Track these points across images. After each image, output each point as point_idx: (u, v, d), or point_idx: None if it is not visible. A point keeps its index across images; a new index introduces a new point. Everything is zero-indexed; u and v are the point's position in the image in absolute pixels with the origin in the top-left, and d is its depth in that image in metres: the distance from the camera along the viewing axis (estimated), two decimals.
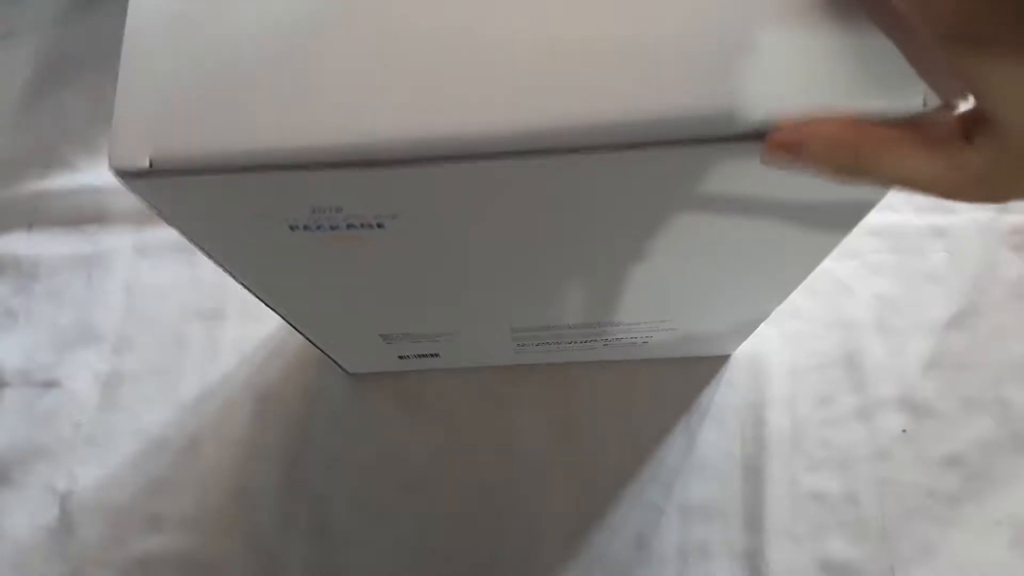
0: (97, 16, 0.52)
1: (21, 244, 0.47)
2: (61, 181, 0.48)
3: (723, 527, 0.40)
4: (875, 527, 0.40)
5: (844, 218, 0.25)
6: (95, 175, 0.48)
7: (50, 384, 0.45)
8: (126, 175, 0.20)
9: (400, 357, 0.40)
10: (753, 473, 0.41)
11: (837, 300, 0.44)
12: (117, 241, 0.47)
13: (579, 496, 0.41)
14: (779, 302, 0.34)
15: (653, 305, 0.34)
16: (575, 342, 0.39)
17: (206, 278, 0.46)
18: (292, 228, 0.23)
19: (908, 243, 0.45)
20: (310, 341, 0.37)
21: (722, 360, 0.43)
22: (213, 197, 0.21)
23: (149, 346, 0.45)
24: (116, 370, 0.45)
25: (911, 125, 0.19)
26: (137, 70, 0.21)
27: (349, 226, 0.23)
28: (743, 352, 0.43)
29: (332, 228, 0.23)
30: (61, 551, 0.41)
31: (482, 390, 0.43)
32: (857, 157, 0.19)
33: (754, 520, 0.40)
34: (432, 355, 0.40)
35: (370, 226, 0.23)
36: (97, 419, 0.44)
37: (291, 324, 0.33)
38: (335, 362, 0.41)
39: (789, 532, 0.40)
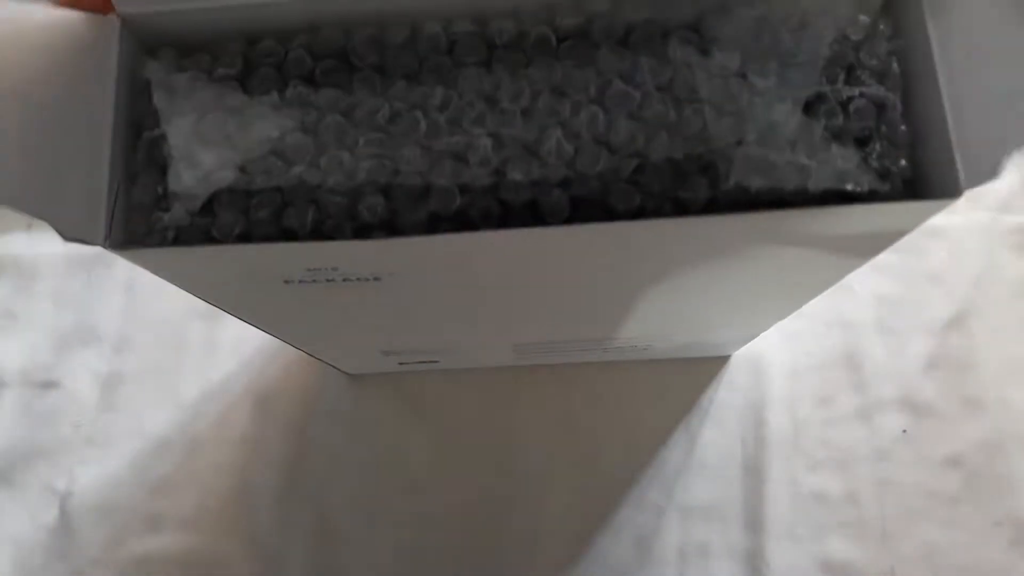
0: None
1: (21, 244, 0.47)
2: None
3: (723, 527, 0.40)
4: (875, 527, 0.40)
5: (869, 247, 0.25)
6: None
7: (50, 384, 0.45)
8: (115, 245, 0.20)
9: (400, 363, 0.40)
10: (753, 473, 0.41)
11: (837, 300, 0.44)
12: None
13: (579, 496, 0.41)
14: (790, 315, 0.34)
15: (658, 323, 0.33)
16: (576, 351, 0.39)
17: None
18: (287, 283, 0.23)
19: (909, 242, 0.44)
20: (307, 353, 0.36)
21: (722, 360, 0.43)
22: (203, 263, 0.21)
23: (149, 346, 0.45)
24: (116, 370, 0.45)
25: None
26: None
27: (345, 280, 0.23)
28: (743, 352, 0.43)
29: (328, 282, 0.23)
30: (61, 551, 0.41)
31: (483, 391, 0.43)
32: None
33: (754, 520, 0.40)
34: (432, 361, 0.40)
35: (367, 279, 0.23)
36: (97, 419, 0.44)
37: (287, 343, 0.33)
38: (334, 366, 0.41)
39: (789, 532, 0.40)
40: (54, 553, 0.41)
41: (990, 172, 0.19)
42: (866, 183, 0.20)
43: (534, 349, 0.38)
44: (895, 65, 0.21)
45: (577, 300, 0.28)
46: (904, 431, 0.42)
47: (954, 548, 0.40)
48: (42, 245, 0.47)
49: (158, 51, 0.22)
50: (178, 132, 0.21)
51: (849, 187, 0.20)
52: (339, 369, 0.42)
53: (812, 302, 0.43)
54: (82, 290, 0.46)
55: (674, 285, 0.26)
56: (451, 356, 0.39)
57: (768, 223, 0.20)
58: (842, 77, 0.21)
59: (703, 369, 0.43)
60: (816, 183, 0.20)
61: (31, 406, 0.44)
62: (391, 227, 0.21)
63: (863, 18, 0.21)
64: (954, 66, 0.20)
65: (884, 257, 0.44)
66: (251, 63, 0.22)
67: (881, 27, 0.21)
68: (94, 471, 0.43)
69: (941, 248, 0.45)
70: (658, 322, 0.33)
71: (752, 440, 0.42)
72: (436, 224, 0.21)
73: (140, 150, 0.21)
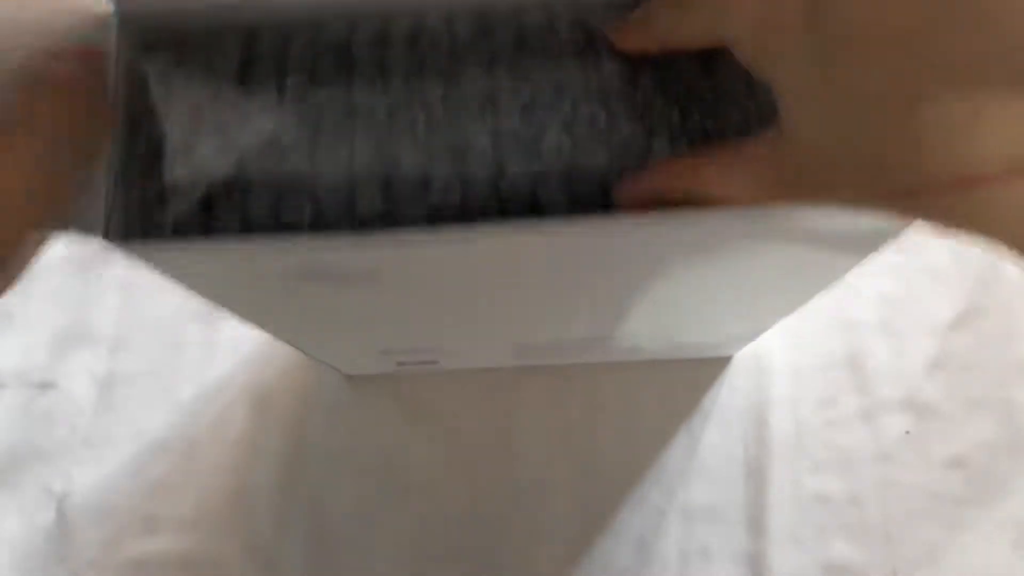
0: None
1: None
2: None
3: (725, 530, 0.40)
4: (879, 529, 0.40)
5: (868, 244, 0.25)
6: None
7: (46, 385, 0.44)
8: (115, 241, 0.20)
9: (399, 364, 0.40)
10: (756, 475, 0.41)
11: (841, 299, 0.44)
12: None
13: (580, 499, 0.41)
14: (790, 314, 0.34)
15: (658, 321, 0.33)
16: (576, 351, 0.39)
17: None
18: (285, 279, 0.23)
19: (912, 242, 0.45)
20: (305, 353, 0.36)
21: (724, 361, 0.43)
22: (200, 259, 0.21)
23: (146, 347, 0.45)
24: (113, 371, 0.44)
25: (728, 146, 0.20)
26: None
27: (344, 276, 0.23)
28: (745, 353, 0.43)
29: (327, 279, 0.23)
30: (58, 553, 0.41)
31: (482, 391, 0.43)
32: (685, 190, 0.20)
33: (757, 523, 0.40)
34: (432, 362, 0.40)
35: (366, 277, 0.23)
36: (94, 420, 0.43)
37: (285, 343, 0.33)
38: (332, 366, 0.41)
39: (792, 535, 0.40)
40: (51, 555, 0.41)
41: None
42: None
43: (534, 349, 0.37)
44: None
45: (577, 297, 0.28)
46: (907, 432, 0.42)
47: (957, 550, 0.40)
48: None
49: (156, 46, 0.21)
50: (176, 125, 0.21)
51: None
52: (337, 370, 0.42)
53: (814, 302, 0.44)
54: (79, 290, 0.46)
55: (675, 281, 0.26)
56: (451, 356, 0.38)
57: (771, 218, 0.20)
58: None
59: (705, 370, 0.43)
60: None
61: (28, 407, 0.44)
62: (390, 222, 0.21)
63: None
64: None
65: (887, 256, 0.45)
66: (250, 58, 0.21)
67: None
68: (91, 472, 0.42)
69: (945, 247, 0.45)
70: (658, 320, 0.33)
71: (754, 442, 0.42)
72: (436, 219, 0.21)
73: (139, 145, 0.21)
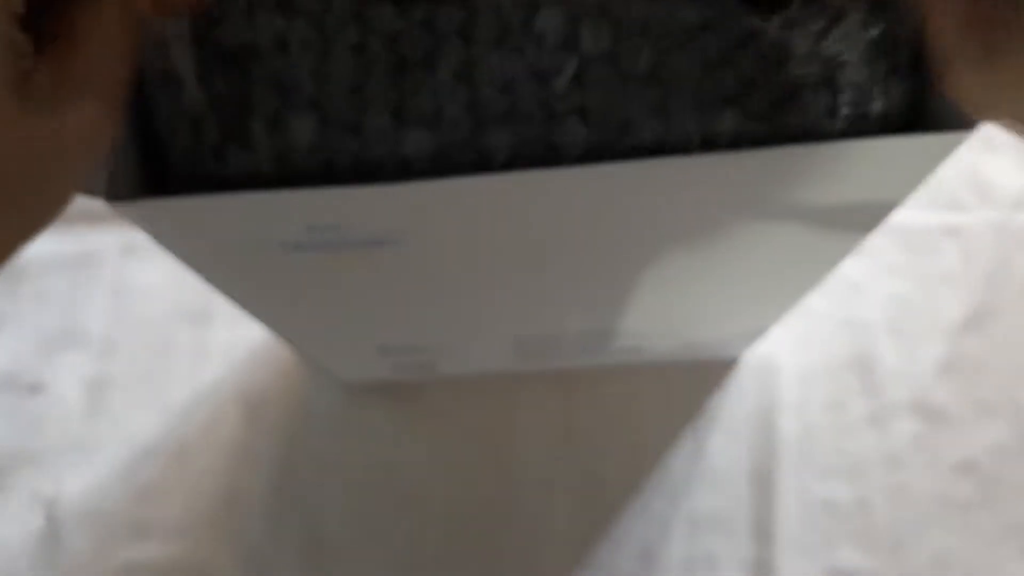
0: None
1: None
2: None
3: (731, 537, 0.40)
4: (887, 536, 0.40)
5: (863, 222, 0.25)
6: None
7: (36, 388, 0.44)
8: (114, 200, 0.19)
9: (395, 366, 0.39)
10: (762, 481, 0.41)
11: (849, 301, 0.43)
12: (104, 242, 0.46)
13: (582, 506, 0.41)
14: (791, 308, 0.33)
15: (661, 313, 0.33)
16: (578, 348, 0.38)
17: (194, 281, 0.45)
18: (286, 247, 0.22)
19: (921, 242, 0.45)
20: (300, 352, 0.36)
21: (731, 365, 0.43)
22: (204, 218, 0.21)
23: (137, 349, 0.44)
24: (103, 374, 0.44)
25: None
26: None
27: (347, 244, 0.22)
28: (752, 356, 0.43)
29: (329, 248, 0.22)
30: (48, 558, 0.41)
31: (481, 397, 0.43)
32: None
33: (763, 530, 0.40)
34: (429, 364, 0.39)
35: (371, 244, 0.22)
36: (84, 424, 0.43)
37: (281, 338, 0.32)
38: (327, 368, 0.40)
39: (799, 542, 0.40)
40: (41, 560, 0.41)
41: None
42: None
43: (535, 346, 0.37)
44: None
45: (584, 276, 0.27)
46: (916, 436, 0.41)
47: (967, 556, 0.39)
48: (27, 246, 0.47)
49: None
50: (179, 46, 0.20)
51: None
52: (333, 374, 0.42)
53: (822, 303, 0.43)
54: (68, 292, 0.45)
55: (682, 258, 0.26)
56: (449, 356, 0.38)
57: (784, 159, 0.20)
58: None
59: (710, 373, 0.43)
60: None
61: (16, 410, 0.43)
62: (399, 160, 0.20)
63: None
64: None
65: (895, 257, 0.45)
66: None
67: None
68: (81, 477, 0.42)
69: (955, 247, 0.44)
70: (662, 311, 0.32)
71: (761, 447, 0.41)
72: (445, 158, 0.20)
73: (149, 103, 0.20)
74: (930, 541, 0.40)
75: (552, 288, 0.29)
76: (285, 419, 0.43)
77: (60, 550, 0.41)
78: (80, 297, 0.45)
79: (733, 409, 0.42)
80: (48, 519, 0.41)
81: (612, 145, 0.20)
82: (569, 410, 0.42)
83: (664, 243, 0.25)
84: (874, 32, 0.20)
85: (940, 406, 0.42)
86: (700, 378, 0.42)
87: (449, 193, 0.20)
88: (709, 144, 0.20)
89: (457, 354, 0.38)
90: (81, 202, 0.52)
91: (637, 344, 0.37)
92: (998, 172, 0.46)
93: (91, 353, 0.44)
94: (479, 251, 0.24)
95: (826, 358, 0.43)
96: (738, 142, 0.20)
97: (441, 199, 0.20)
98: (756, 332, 0.38)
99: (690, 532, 0.40)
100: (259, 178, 0.20)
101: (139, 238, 0.45)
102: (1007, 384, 0.42)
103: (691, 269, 0.27)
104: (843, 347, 0.43)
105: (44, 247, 0.45)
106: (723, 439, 0.42)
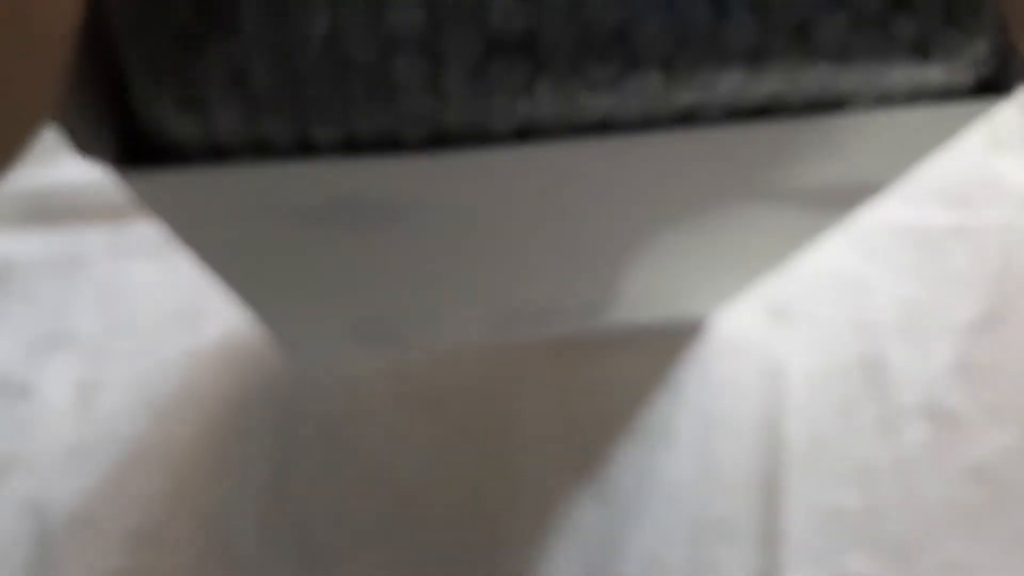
0: None
1: None
2: (35, 177, 0.47)
3: (737, 545, 0.40)
4: (898, 543, 0.40)
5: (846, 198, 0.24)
6: (71, 170, 0.47)
7: (25, 391, 0.43)
8: (117, 164, 0.18)
9: (363, 336, 0.38)
10: (768, 486, 0.40)
11: (857, 302, 0.43)
12: (93, 241, 0.46)
13: (583, 513, 0.40)
14: (769, 274, 0.32)
15: (644, 283, 0.32)
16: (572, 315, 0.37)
17: (186, 280, 0.45)
18: (298, 215, 0.21)
19: (931, 242, 0.45)
20: (277, 334, 0.35)
21: (737, 367, 0.42)
22: (217, 187, 0.19)
23: (127, 352, 0.44)
24: (93, 377, 0.43)
25: None
26: None
27: (360, 215, 0.21)
28: (758, 358, 0.42)
29: (343, 217, 0.21)
30: (37, 564, 0.40)
31: (479, 398, 0.42)
32: None
33: (770, 538, 0.40)
34: (396, 336, 0.38)
35: (383, 216, 0.21)
36: (74, 428, 0.43)
37: (247, 305, 0.31)
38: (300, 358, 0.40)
39: (807, 548, 0.39)
40: (31, 568, 0.40)
41: None
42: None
43: (525, 312, 0.36)
44: None
45: (582, 239, 0.26)
46: (927, 441, 0.41)
47: (979, 564, 0.39)
48: (15, 245, 0.46)
49: None
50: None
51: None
52: (324, 371, 0.41)
53: (831, 304, 0.43)
54: (58, 292, 0.45)
55: (678, 231, 0.25)
56: (421, 325, 0.36)
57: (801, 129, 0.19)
58: None
59: (716, 377, 0.42)
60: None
61: (5, 414, 0.43)
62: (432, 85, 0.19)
63: None
64: None
65: (904, 258, 0.45)
66: None
67: None
68: (71, 483, 0.42)
69: (965, 247, 0.44)
70: (645, 282, 0.31)
71: (767, 452, 0.41)
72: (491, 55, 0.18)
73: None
74: (941, 548, 0.39)
75: (544, 260, 0.28)
76: (277, 423, 0.43)
77: (50, 556, 0.40)
78: (70, 298, 0.45)
79: (739, 413, 0.42)
80: (38, 525, 0.41)
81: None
82: (569, 413, 0.42)
83: (663, 217, 0.24)
84: None
85: (951, 410, 0.41)
86: (707, 381, 0.42)
87: (494, 163, 0.19)
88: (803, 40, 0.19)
89: (431, 327, 0.37)
90: (70, 201, 0.51)
91: (610, 314, 0.36)
92: (1008, 171, 0.45)
93: (81, 355, 0.44)
94: (496, 223, 0.23)
95: (834, 360, 0.42)
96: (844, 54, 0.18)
97: (482, 170, 0.19)
98: (731, 295, 0.37)
99: (694, 539, 0.40)
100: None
101: (129, 238, 0.45)
102: (1020, 387, 0.42)
103: (691, 242, 0.27)
104: (852, 349, 0.43)
105: (32, 247, 0.46)
106: (728, 444, 0.41)
